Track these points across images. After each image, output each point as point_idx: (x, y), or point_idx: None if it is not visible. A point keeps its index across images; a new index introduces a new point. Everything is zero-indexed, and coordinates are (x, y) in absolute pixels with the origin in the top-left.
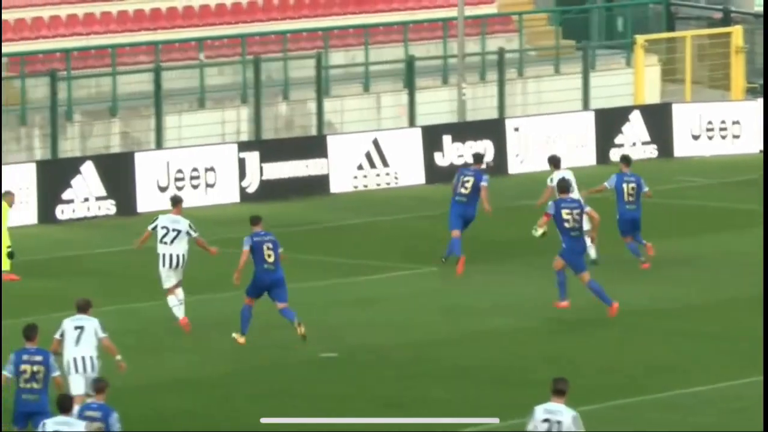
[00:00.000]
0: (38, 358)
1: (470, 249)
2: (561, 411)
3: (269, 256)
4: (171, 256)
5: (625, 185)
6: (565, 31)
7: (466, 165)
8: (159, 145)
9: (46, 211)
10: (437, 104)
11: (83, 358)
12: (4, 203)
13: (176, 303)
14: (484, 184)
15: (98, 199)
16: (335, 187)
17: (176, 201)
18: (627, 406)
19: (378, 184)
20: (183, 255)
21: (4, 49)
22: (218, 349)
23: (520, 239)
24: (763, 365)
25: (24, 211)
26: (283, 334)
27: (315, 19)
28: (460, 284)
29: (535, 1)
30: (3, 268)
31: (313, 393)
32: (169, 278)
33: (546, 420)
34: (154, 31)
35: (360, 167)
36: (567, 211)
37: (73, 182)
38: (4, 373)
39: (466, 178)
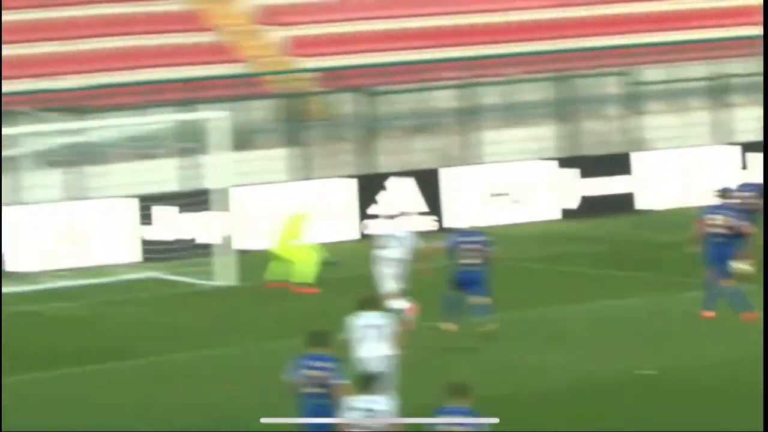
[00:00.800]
0: (322, 364)
1: None
2: None
3: (464, 257)
4: (393, 260)
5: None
6: None
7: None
8: (474, 160)
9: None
10: (748, 122)
11: (385, 357)
12: (303, 216)
13: (398, 305)
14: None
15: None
16: (647, 203)
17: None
18: None
19: (692, 202)
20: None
21: (315, 64)
22: (535, 367)
23: None
24: (763, 368)
25: (343, 226)
26: (590, 351)
27: (626, 35)
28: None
29: None
30: (301, 280)
31: (622, 412)
32: (389, 281)
33: None
34: (466, 47)
35: (672, 184)
36: (712, 216)
37: (385, 197)
38: (287, 377)
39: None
